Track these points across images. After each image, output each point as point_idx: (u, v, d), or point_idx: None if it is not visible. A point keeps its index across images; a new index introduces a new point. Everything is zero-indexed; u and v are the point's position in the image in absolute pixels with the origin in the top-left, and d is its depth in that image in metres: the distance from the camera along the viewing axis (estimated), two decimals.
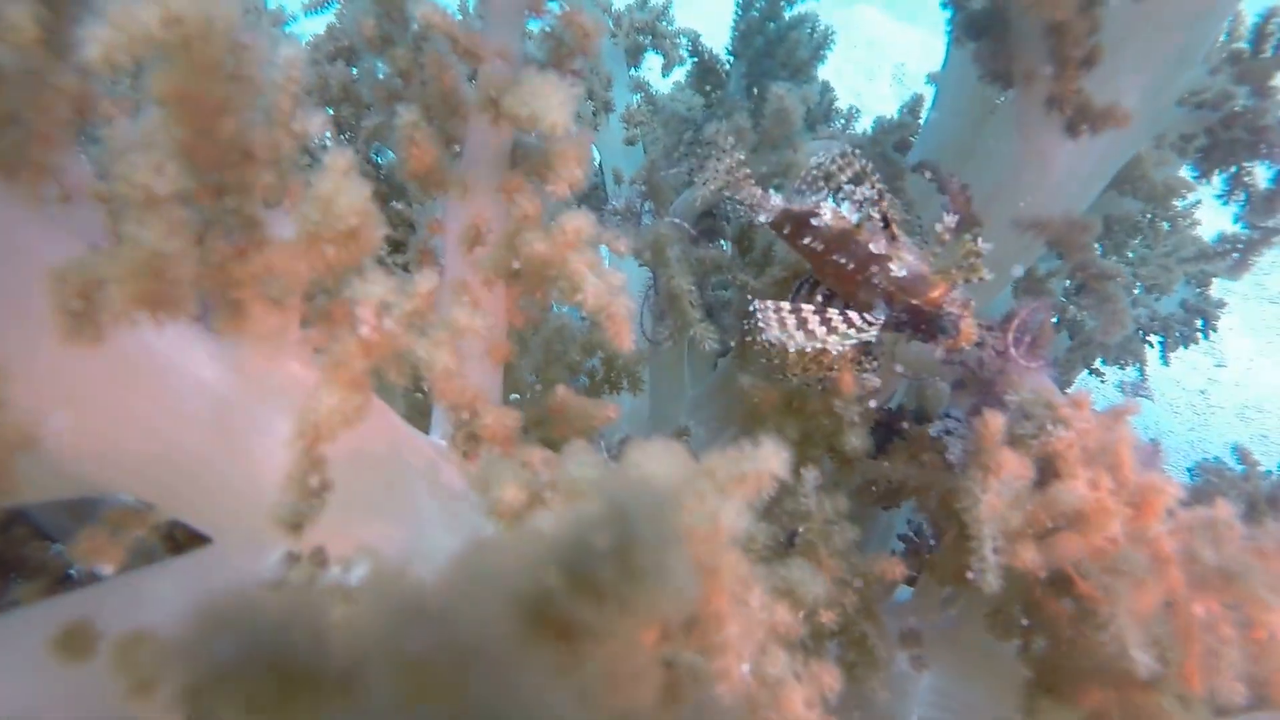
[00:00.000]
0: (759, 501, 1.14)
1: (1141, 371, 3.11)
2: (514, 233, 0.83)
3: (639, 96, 1.79)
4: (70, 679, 0.69)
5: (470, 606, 0.37)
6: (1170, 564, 0.71)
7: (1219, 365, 4.56)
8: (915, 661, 1.15)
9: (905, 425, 1.45)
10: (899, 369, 1.35)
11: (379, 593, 0.38)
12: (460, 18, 0.99)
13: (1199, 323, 2.38)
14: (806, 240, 1.05)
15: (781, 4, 1.55)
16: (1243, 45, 1.05)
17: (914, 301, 1.03)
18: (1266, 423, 4.22)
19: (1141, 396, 4.70)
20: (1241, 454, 1.52)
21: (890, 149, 1.29)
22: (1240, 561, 0.66)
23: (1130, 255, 2.23)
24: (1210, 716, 0.77)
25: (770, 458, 0.53)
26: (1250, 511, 1.51)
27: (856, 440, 1.10)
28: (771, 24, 1.55)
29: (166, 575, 0.82)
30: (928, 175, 1.22)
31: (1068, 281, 1.90)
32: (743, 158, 1.13)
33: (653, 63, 2.63)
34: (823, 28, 1.57)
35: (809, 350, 1.01)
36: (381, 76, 0.97)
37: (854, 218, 1.03)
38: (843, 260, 1.04)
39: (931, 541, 1.38)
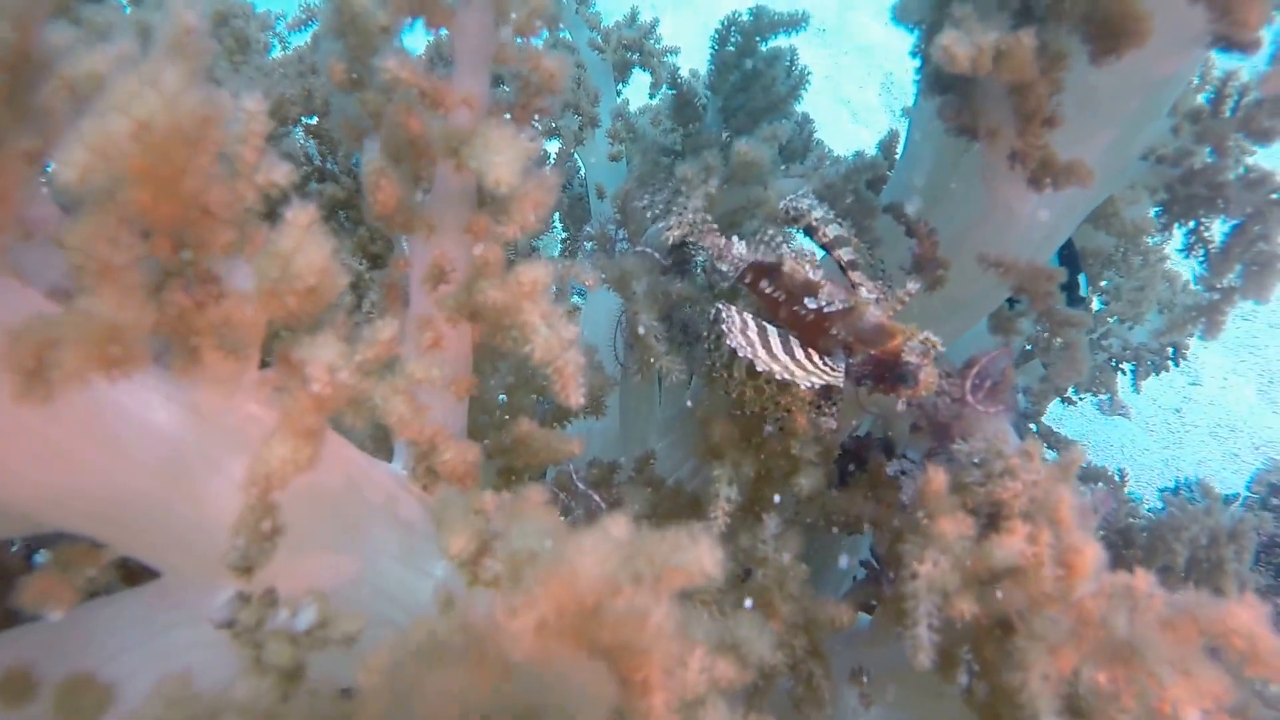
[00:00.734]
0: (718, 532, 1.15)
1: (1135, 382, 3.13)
2: (472, 279, 0.84)
3: (620, 123, 1.80)
4: None
5: None
6: (1090, 628, 0.73)
7: (1194, 384, 4.62)
8: (863, 699, 1.17)
9: (869, 456, 1.47)
10: (864, 405, 1.36)
11: None
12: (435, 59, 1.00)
13: (1170, 351, 2.42)
14: (768, 290, 1.07)
15: (757, 40, 1.56)
16: (1202, 104, 1.07)
17: (873, 351, 1.05)
18: (1238, 441, 4.27)
19: (1119, 415, 4.76)
20: (1204, 488, 1.55)
21: (863, 187, 1.31)
22: (1145, 636, 0.68)
23: (1104, 284, 2.26)
24: None
25: (704, 556, 0.54)
26: (1210, 545, 1.53)
27: (809, 482, 1.12)
28: (748, 60, 1.56)
29: (115, 611, 0.83)
30: (896, 217, 1.24)
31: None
32: (705, 201, 1.15)
33: (643, 79, 2.64)
34: (800, 68, 1.58)
35: (776, 376, 1.01)
36: (350, 115, 0.98)
37: (815, 275, 1.05)
38: (803, 311, 1.06)
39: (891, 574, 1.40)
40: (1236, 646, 0.65)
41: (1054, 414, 3.98)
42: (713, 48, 1.59)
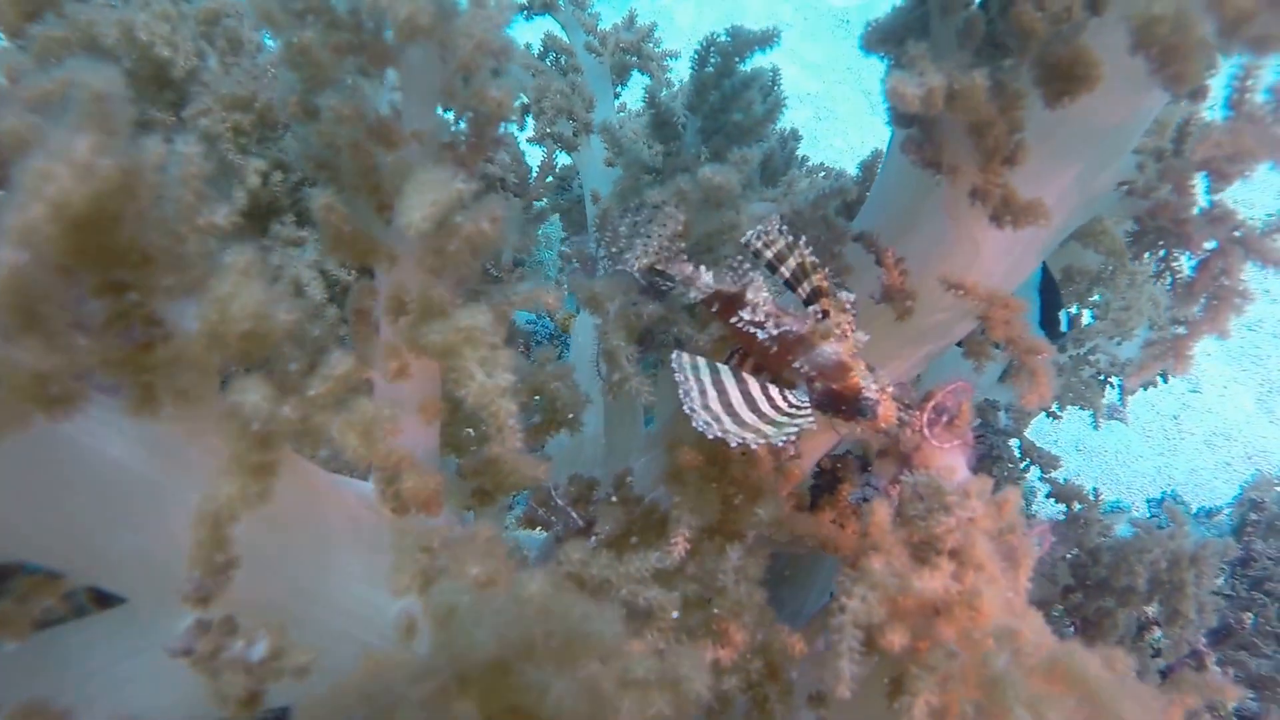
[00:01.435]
0: (671, 564, 1.16)
1: (1122, 395, 3.14)
2: (418, 318, 0.86)
3: (607, 137, 1.80)
4: None
5: None
6: (977, 668, 0.75)
7: (1193, 391, 4.60)
8: None
9: (844, 477, 1.49)
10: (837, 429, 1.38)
11: None
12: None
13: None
14: (736, 320, 1.08)
15: (735, 60, 1.57)
16: (1165, 144, 1.07)
17: (834, 386, 1.06)
18: (1232, 451, 4.26)
19: (1115, 420, 4.75)
20: (1170, 513, 1.56)
21: (833, 213, 1.32)
22: (1013, 677, 0.70)
23: (1095, 298, 2.26)
24: None
25: (608, 626, 0.55)
26: (1171, 568, 1.55)
27: (767, 511, 1.13)
28: (726, 81, 1.57)
29: (82, 637, 0.85)
30: (866, 246, 1.25)
31: None
32: (677, 227, 1.16)
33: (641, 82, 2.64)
34: (779, 90, 1.59)
35: (732, 445, 1.01)
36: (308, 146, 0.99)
37: (773, 305, 1.06)
38: (768, 343, 1.08)
39: None
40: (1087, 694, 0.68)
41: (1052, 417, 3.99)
42: (692, 68, 1.60)
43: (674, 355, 1.06)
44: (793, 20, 6.21)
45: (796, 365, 1.07)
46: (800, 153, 2.26)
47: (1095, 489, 1.83)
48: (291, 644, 0.79)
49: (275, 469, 0.79)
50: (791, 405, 1.08)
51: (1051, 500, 1.86)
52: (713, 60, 1.56)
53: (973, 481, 0.89)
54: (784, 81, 1.78)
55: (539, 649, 0.54)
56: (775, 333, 1.06)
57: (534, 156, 2.50)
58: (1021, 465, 2.09)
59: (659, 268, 1.14)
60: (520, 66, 2.39)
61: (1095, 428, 2.51)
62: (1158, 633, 1.65)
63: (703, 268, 1.13)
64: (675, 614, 0.99)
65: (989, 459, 1.68)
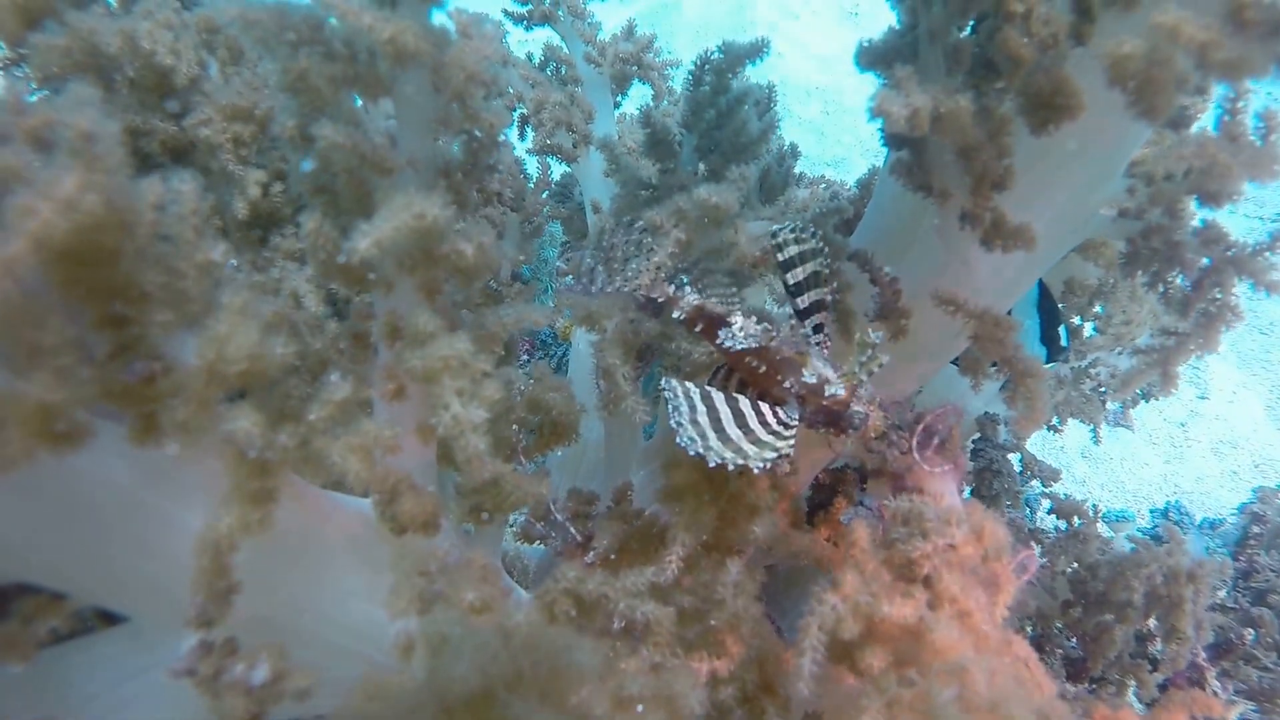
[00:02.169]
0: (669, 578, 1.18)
1: (1122, 406, 3.15)
2: (405, 345, 0.87)
3: (606, 153, 1.82)
4: None
5: None
6: (921, 697, 0.76)
7: (1202, 397, 4.58)
8: None
9: (841, 491, 1.50)
10: (833, 446, 1.39)
11: None
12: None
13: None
14: (720, 340, 1.10)
15: (729, 77, 1.58)
16: (1156, 167, 1.08)
17: (824, 402, 1.08)
18: (1239, 459, 4.24)
19: (1121, 427, 4.74)
20: (1167, 531, 1.57)
21: (831, 230, 1.33)
22: (946, 711, 0.71)
23: (1098, 310, 2.26)
24: None
25: (587, 656, 0.57)
26: (1168, 584, 1.55)
27: (763, 529, 1.15)
28: (721, 99, 1.58)
29: (88, 656, 0.87)
30: (861, 265, 1.26)
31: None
32: (675, 247, 1.18)
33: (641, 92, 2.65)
34: (772, 112, 1.60)
35: (729, 469, 1.03)
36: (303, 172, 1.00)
37: (759, 328, 1.08)
38: (755, 364, 1.09)
39: None
40: None
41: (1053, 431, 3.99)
42: (687, 87, 1.62)
43: (666, 386, 1.08)
44: (800, 12, 6.16)
45: (786, 384, 1.09)
46: (807, 149, 2.25)
47: (1095, 505, 1.83)
48: (293, 667, 0.80)
49: (275, 495, 0.81)
50: (781, 422, 1.10)
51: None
52: (707, 79, 1.58)
53: (955, 508, 0.90)
54: (791, 75, 1.79)
55: (525, 681, 0.56)
56: (754, 348, 1.08)
57: (534, 167, 2.52)
58: (1022, 479, 2.09)
59: (641, 293, 1.17)
60: (519, 77, 2.41)
61: (1096, 442, 2.51)
62: (1159, 645, 1.66)
63: (687, 287, 1.15)
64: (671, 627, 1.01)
65: (988, 473, 1.69)
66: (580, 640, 0.57)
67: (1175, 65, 0.75)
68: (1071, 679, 1.66)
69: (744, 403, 1.09)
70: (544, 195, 2.30)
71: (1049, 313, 1.57)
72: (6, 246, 0.54)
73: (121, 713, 0.86)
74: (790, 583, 1.60)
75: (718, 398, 1.09)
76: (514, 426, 1.49)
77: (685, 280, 1.22)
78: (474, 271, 0.91)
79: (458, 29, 0.84)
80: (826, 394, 1.06)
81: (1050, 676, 0.89)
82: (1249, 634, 1.75)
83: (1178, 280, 1.22)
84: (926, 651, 0.82)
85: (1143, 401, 2.38)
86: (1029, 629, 1.75)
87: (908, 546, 0.87)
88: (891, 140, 1.11)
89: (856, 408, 1.07)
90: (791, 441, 1.06)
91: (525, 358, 3.39)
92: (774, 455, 1.02)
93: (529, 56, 2.56)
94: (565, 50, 2.47)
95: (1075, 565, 1.63)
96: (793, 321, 1.13)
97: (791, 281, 1.14)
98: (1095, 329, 2.29)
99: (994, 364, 1.31)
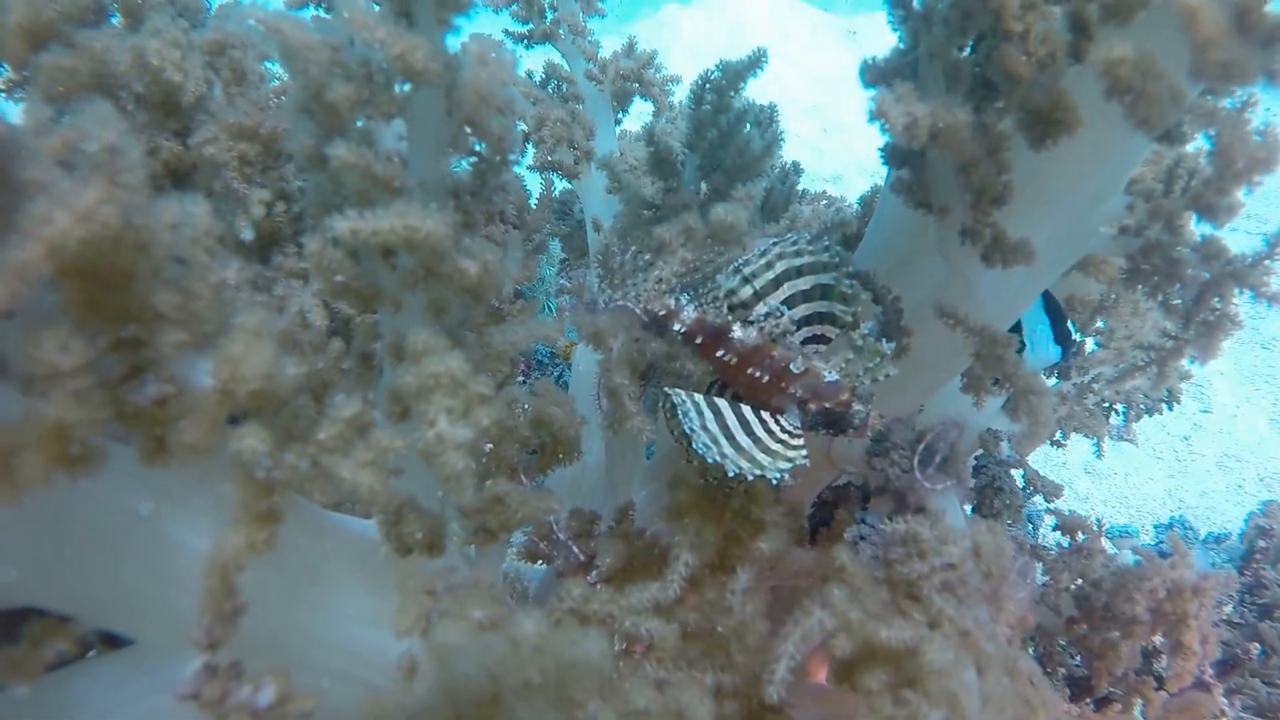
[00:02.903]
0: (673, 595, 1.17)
1: (1125, 420, 3.13)
2: (403, 364, 0.88)
3: (607, 172, 1.84)
4: None
5: None
6: None
7: (1205, 411, 4.58)
8: None
9: (845, 508, 1.50)
10: (836, 462, 1.40)
11: None
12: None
13: (1164, 392, 2.42)
14: (720, 354, 1.11)
15: (730, 95, 1.60)
16: (1155, 185, 1.09)
17: (826, 405, 1.09)
18: (1244, 473, 4.23)
19: (1125, 441, 4.73)
20: (1172, 543, 1.57)
21: (836, 245, 1.33)
22: None
23: (1100, 325, 2.27)
24: None
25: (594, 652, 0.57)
26: (1172, 598, 1.54)
27: (769, 545, 1.15)
28: (723, 117, 1.60)
29: (89, 679, 0.87)
30: (863, 283, 1.27)
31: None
32: (681, 265, 1.19)
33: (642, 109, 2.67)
34: (774, 129, 1.62)
35: (747, 477, 1.03)
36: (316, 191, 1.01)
37: (760, 339, 1.09)
38: (757, 374, 1.10)
39: None
40: None
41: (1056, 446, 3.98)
42: (690, 107, 1.63)
43: (674, 398, 1.08)
44: (799, 32, 6.18)
45: (790, 391, 1.10)
46: (808, 166, 2.25)
47: (1100, 519, 1.83)
48: (297, 690, 0.80)
49: (281, 515, 0.81)
50: (785, 430, 1.10)
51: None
52: (709, 98, 1.59)
53: (955, 526, 0.90)
54: (791, 94, 1.81)
55: (534, 686, 0.56)
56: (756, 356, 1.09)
57: (535, 184, 2.54)
58: (1025, 494, 2.09)
59: (638, 308, 1.18)
60: (521, 95, 2.43)
61: (1099, 456, 2.51)
62: (1165, 662, 1.65)
63: (684, 298, 1.16)
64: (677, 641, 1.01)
65: (991, 489, 1.69)
66: (590, 641, 0.57)
67: (1168, 77, 0.76)
68: (1076, 698, 1.66)
69: (746, 410, 1.10)
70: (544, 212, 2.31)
71: (1055, 312, 1.58)
72: (21, 251, 0.55)
73: None
74: (793, 606, 1.59)
75: (723, 405, 1.09)
76: (517, 446, 1.50)
77: (687, 297, 1.23)
78: (479, 290, 0.91)
79: (474, 55, 0.85)
80: (842, 396, 1.07)
81: (1056, 695, 0.89)
82: (1255, 649, 1.74)
83: (1177, 294, 1.23)
84: (924, 673, 0.82)
85: (1146, 416, 2.37)
86: (1031, 648, 1.74)
87: (905, 568, 0.87)
88: (892, 157, 1.12)
89: (857, 407, 1.09)
90: (804, 452, 1.06)
91: (522, 379, 3.38)
92: (789, 465, 1.03)
93: (529, 74, 2.59)
94: (566, 68, 2.49)
95: (1079, 581, 1.62)
96: (777, 328, 1.13)
97: (789, 292, 1.14)
98: (1098, 344, 2.30)
99: (995, 381, 1.32)
